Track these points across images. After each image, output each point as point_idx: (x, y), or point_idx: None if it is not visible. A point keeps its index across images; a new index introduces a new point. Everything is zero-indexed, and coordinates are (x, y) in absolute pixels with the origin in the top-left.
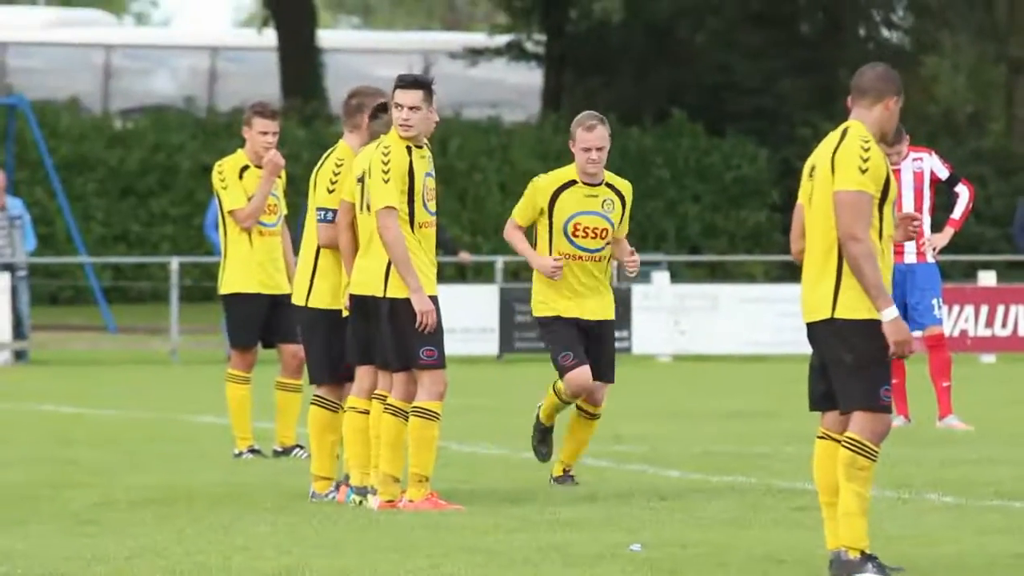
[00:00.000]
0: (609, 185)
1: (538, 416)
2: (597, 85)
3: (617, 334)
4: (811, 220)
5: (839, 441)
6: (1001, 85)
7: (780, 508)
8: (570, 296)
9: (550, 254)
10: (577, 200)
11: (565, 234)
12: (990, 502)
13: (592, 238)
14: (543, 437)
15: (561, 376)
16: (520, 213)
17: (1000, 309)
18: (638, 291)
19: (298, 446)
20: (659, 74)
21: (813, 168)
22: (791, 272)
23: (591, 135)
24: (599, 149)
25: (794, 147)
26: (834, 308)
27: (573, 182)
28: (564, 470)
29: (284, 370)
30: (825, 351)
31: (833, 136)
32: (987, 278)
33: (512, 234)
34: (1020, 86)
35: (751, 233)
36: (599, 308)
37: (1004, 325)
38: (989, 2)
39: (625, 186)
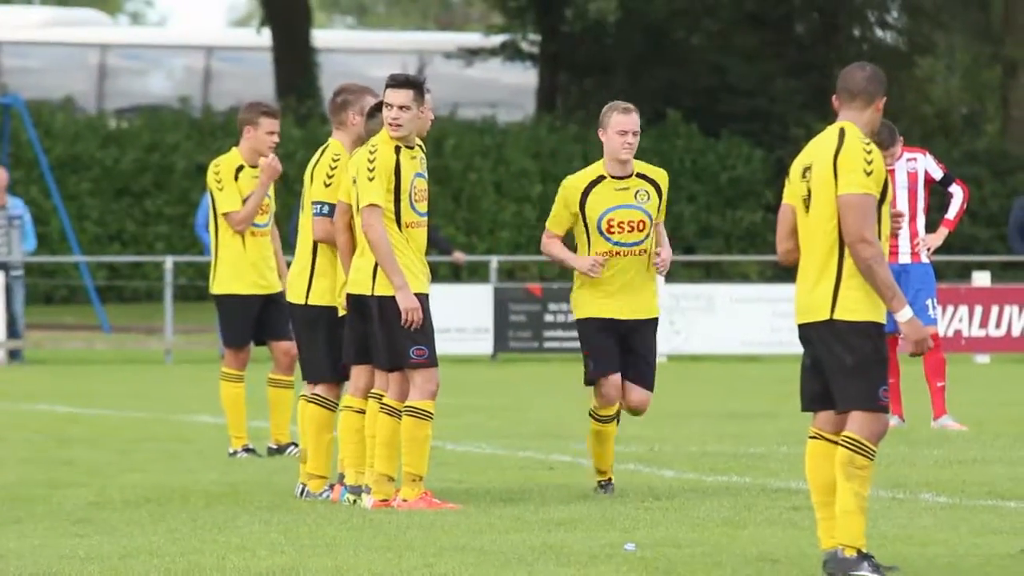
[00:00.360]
0: (641, 176)
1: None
2: (592, 85)
3: None
4: (809, 222)
5: (831, 441)
6: (996, 86)
7: (775, 508)
8: (606, 296)
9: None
10: (608, 195)
11: (600, 232)
12: (984, 502)
13: (629, 231)
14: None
15: (588, 383)
16: (554, 221)
17: (994, 310)
18: None
19: (292, 443)
20: (654, 75)
21: (807, 169)
22: (786, 272)
23: (627, 118)
24: (635, 134)
25: (789, 148)
26: (833, 309)
27: (602, 178)
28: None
29: (276, 367)
30: (822, 352)
31: (828, 138)
32: (981, 279)
33: (548, 244)
34: (1015, 87)
35: (746, 233)
36: (639, 306)
37: (998, 326)
38: (984, 3)
39: (659, 174)
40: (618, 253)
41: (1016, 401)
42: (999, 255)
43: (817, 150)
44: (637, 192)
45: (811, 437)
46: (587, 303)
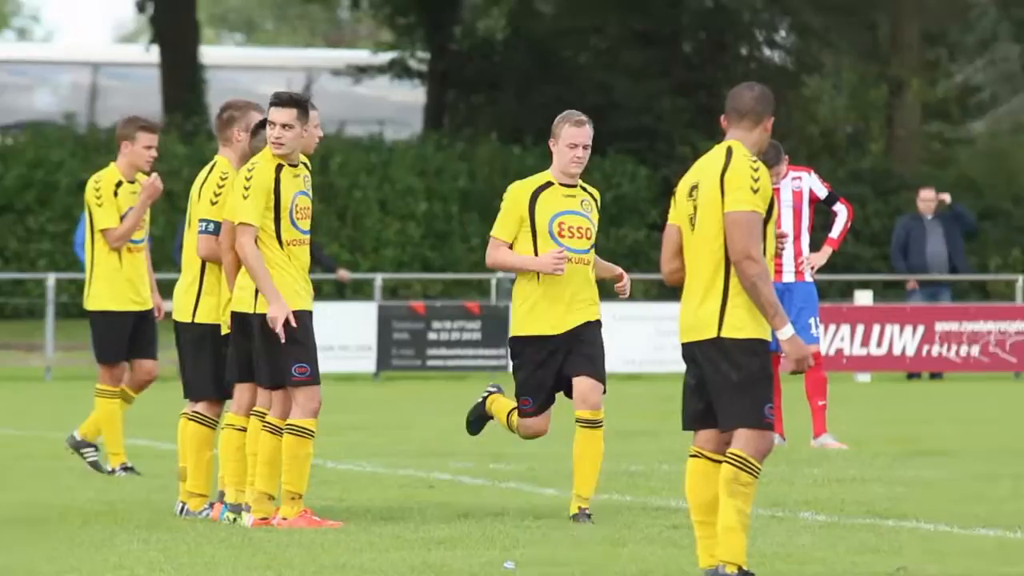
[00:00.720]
0: (583, 188)
1: (483, 403)
2: (480, 103)
3: (495, 352)
4: (695, 240)
5: (712, 459)
6: (882, 105)
7: (655, 526)
8: (552, 307)
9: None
10: (557, 199)
11: (551, 235)
12: (862, 520)
13: (577, 238)
14: (479, 418)
15: (520, 414)
16: (501, 228)
17: (876, 328)
18: None
19: (92, 445)
20: (542, 93)
21: (694, 188)
22: (669, 290)
23: (580, 131)
24: (585, 147)
25: (674, 166)
26: (720, 327)
27: (550, 183)
28: (580, 508)
29: (130, 380)
30: (708, 370)
31: (716, 156)
32: (863, 297)
33: (497, 253)
34: (900, 106)
35: (630, 251)
36: (583, 314)
37: (879, 344)
38: (871, 22)
39: (596, 192)
40: (568, 260)
41: (896, 420)
42: (882, 274)
43: (704, 168)
44: (583, 201)
45: (692, 455)
46: (531, 318)
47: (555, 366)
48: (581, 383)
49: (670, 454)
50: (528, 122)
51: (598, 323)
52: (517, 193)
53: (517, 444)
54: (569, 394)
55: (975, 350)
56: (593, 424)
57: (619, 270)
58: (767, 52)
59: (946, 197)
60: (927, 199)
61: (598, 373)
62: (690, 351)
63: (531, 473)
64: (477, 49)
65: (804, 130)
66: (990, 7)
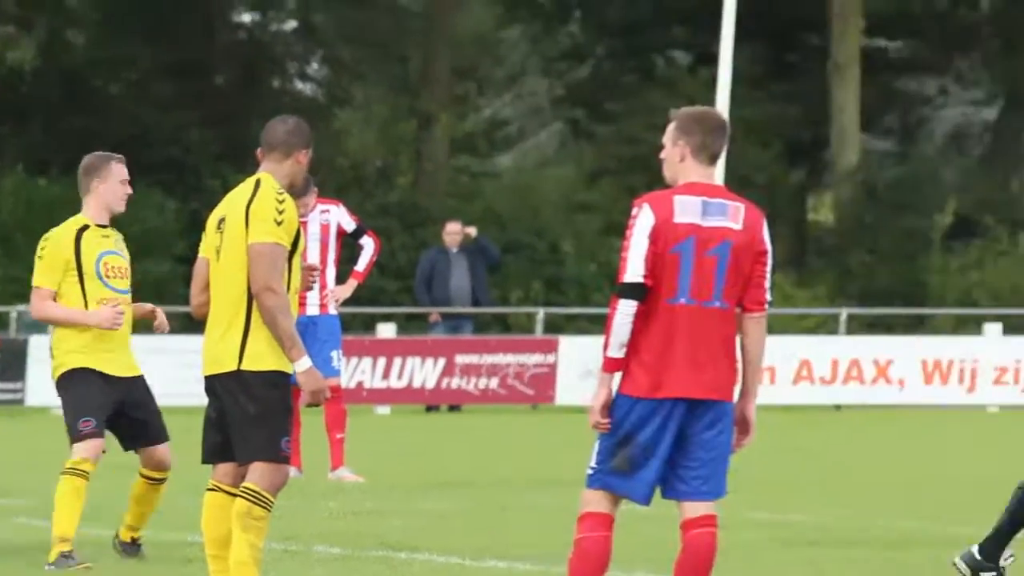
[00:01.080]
0: (112, 228)
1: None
2: (6, 134)
3: (11, 386)
4: (219, 272)
5: (229, 493)
6: (411, 139)
7: (169, 560)
8: (100, 350)
9: (86, 308)
10: (97, 241)
11: (99, 276)
12: (376, 553)
13: (120, 278)
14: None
15: (73, 443)
16: (45, 276)
17: (397, 361)
18: (33, 342)
19: None
20: (71, 123)
21: (222, 220)
22: (195, 323)
23: (124, 168)
24: (131, 183)
25: (203, 198)
26: (241, 359)
27: (87, 226)
28: (132, 537)
29: None
30: (228, 403)
31: (245, 188)
32: (386, 330)
33: (44, 306)
34: (429, 140)
35: (156, 285)
36: (131, 363)
37: (400, 377)
38: (403, 56)
39: (120, 234)
40: (116, 303)
41: (413, 452)
42: (406, 307)
43: (232, 201)
44: (116, 240)
45: (209, 489)
46: (81, 356)
47: (111, 406)
48: (157, 451)
49: (189, 487)
50: (56, 153)
51: (144, 378)
52: (59, 237)
53: (25, 476)
54: (123, 438)
55: (494, 382)
56: (160, 482)
57: (149, 306)
58: (299, 85)
59: (471, 230)
60: (452, 232)
61: (166, 435)
62: (211, 384)
63: (41, 508)
64: (5, 80)
65: (334, 163)
66: (520, 42)
